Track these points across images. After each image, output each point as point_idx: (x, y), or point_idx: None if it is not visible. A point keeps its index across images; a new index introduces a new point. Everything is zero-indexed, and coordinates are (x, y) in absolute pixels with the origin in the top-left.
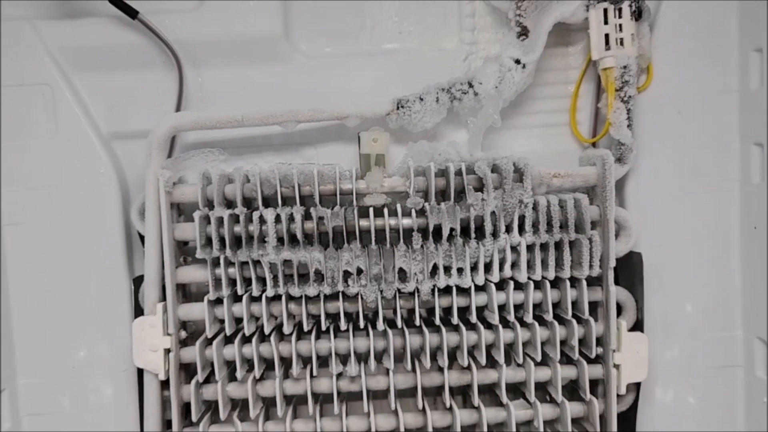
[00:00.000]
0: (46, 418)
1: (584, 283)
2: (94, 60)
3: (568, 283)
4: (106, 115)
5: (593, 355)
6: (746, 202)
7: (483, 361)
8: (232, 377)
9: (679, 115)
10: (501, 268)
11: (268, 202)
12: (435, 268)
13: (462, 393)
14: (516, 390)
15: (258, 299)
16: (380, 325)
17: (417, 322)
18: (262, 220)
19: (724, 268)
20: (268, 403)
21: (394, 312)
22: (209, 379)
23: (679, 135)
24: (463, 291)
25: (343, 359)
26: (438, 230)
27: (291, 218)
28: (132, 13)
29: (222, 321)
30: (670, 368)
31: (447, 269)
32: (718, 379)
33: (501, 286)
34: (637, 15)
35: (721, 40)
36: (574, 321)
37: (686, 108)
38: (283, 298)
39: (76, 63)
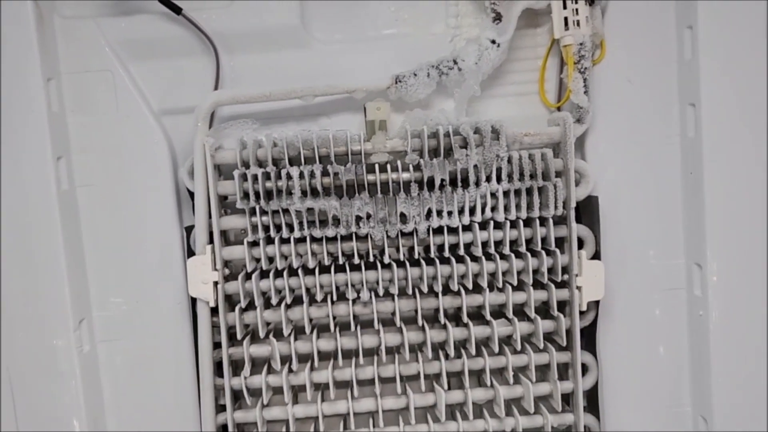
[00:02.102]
0: (117, 344)
1: (551, 221)
2: (146, 50)
3: (537, 221)
4: (156, 95)
5: (559, 280)
6: (684, 152)
7: (470, 286)
8: (267, 305)
9: (628, 82)
10: (483, 211)
11: (293, 161)
12: (429, 211)
13: (455, 318)
14: (499, 313)
15: (287, 241)
16: (386, 259)
17: (416, 256)
18: (289, 176)
19: (667, 207)
20: (297, 327)
21: (397, 249)
22: (249, 307)
23: (628, 98)
24: (452, 230)
25: (357, 288)
26: (431, 181)
27: (312, 174)
28: (177, 10)
29: (258, 259)
30: (624, 292)
31: (439, 212)
32: (664, 299)
33: (483, 225)
34: (590, 1)
35: (661, 20)
36: (543, 252)
37: (634, 76)
38: (308, 239)
39: (131, 52)
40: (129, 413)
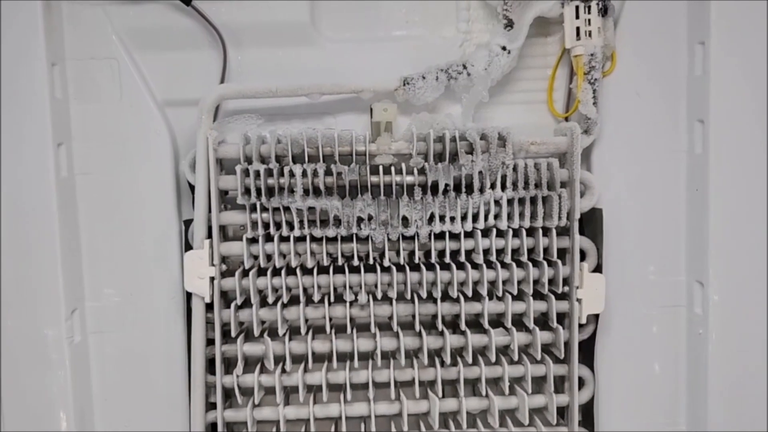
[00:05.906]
0: (108, 335)
1: (554, 232)
2: (153, 39)
3: (540, 231)
4: (161, 85)
5: (560, 291)
6: (690, 168)
7: (470, 294)
8: (263, 303)
9: (637, 95)
10: (486, 218)
11: (296, 159)
12: (432, 216)
13: (452, 325)
14: (497, 322)
15: (286, 239)
16: (386, 263)
17: (416, 261)
18: (292, 174)
19: (671, 223)
20: (292, 327)
21: (398, 253)
22: (245, 304)
23: (636, 112)
24: (454, 236)
25: (355, 291)
26: (435, 186)
27: (315, 173)
28: (186, 1)
29: (256, 256)
30: (624, 306)
31: (442, 218)
32: (664, 315)
33: (485, 233)
34: (603, 12)
35: (672, 35)
36: (545, 263)
37: (643, 90)
38: (308, 238)
39: (138, 41)
40: (117, 407)
